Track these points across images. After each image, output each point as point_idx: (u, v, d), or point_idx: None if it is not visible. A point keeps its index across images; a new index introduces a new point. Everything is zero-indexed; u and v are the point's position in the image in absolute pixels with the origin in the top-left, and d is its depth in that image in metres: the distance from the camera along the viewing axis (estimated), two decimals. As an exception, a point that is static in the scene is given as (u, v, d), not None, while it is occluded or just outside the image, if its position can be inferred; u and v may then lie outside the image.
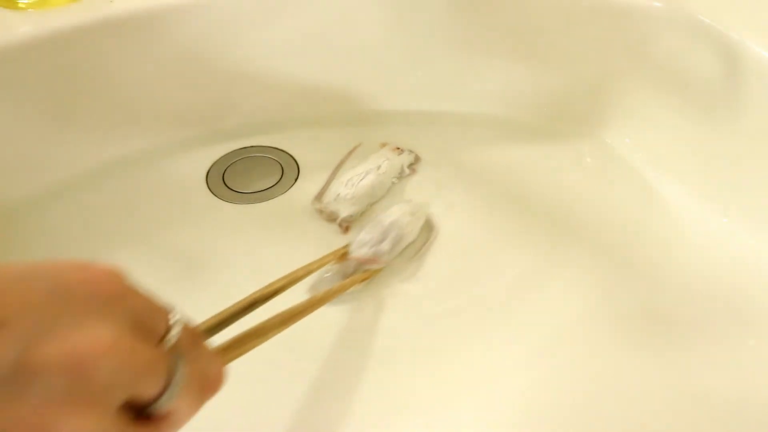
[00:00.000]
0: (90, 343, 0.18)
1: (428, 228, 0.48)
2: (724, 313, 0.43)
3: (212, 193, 0.51)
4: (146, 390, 0.20)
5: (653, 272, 0.46)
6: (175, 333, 0.22)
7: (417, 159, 0.54)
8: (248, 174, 0.53)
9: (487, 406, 0.38)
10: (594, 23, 0.52)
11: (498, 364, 0.40)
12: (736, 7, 0.47)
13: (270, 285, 0.37)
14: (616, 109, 0.56)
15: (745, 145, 0.47)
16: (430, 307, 0.44)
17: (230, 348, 0.30)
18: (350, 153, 0.54)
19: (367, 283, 0.44)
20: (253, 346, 0.31)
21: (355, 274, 0.44)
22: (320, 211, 0.49)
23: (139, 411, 0.21)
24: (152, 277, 0.44)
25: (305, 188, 0.52)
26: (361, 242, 0.44)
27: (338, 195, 0.49)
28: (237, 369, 0.28)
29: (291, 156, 0.55)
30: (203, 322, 0.32)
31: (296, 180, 0.53)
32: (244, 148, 0.55)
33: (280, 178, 0.53)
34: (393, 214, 0.46)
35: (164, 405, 0.21)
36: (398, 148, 0.53)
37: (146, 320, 0.21)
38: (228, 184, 0.52)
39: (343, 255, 0.44)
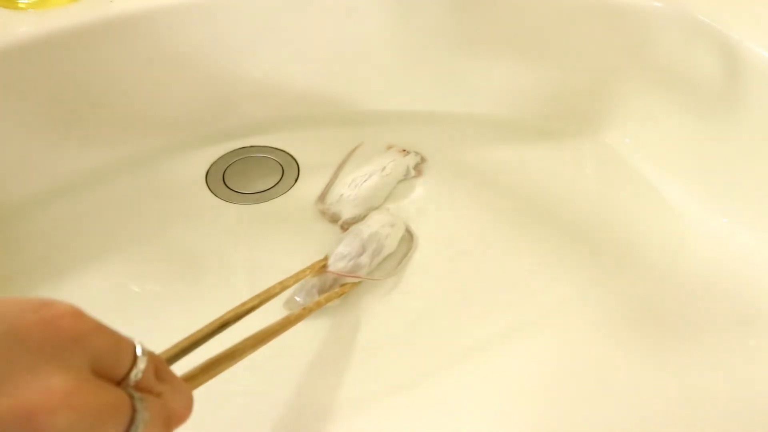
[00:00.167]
0: (43, 395, 0.18)
1: (408, 239, 0.47)
2: (724, 312, 0.43)
3: (212, 193, 0.51)
4: None
5: (653, 272, 0.46)
6: (140, 368, 0.21)
7: (423, 160, 0.54)
8: (248, 174, 0.53)
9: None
10: (594, 23, 0.52)
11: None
12: (736, 7, 0.47)
13: (243, 304, 0.36)
14: (616, 109, 0.56)
15: (745, 145, 0.47)
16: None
17: (202, 372, 0.29)
18: (351, 152, 0.54)
19: (345, 297, 0.43)
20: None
21: (332, 288, 0.42)
22: (323, 212, 0.49)
23: None
24: (152, 277, 0.45)
25: (305, 188, 0.52)
26: (340, 255, 0.43)
27: (341, 196, 0.49)
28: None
29: (291, 156, 0.55)
30: (174, 345, 0.31)
31: (296, 180, 0.53)
32: (244, 148, 0.55)
33: (281, 179, 0.53)
34: (372, 225, 0.45)
35: None
36: (404, 150, 0.53)
37: (108, 359, 0.20)
38: (228, 184, 0.52)
39: (321, 268, 0.43)
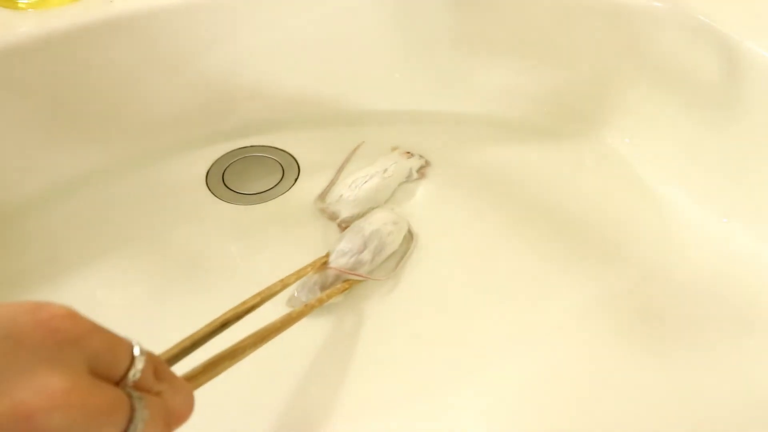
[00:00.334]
0: (41, 395, 0.18)
1: (408, 238, 0.47)
2: (724, 312, 0.43)
3: (212, 193, 0.51)
4: None
5: (653, 272, 0.46)
6: (138, 368, 0.21)
7: (427, 164, 0.54)
8: (248, 174, 0.53)
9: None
10: (594, 23, 0.52)
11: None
12: (736, 7, 0.47)
13: (244, 302, 0.36)
14: (616, 109, 0.56)
15: (744, 145, 0.47)
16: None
17: (203, 371, 0.29)
18: (353, 152, 0.54)
19: (346, 294, 0.43)
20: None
21: (334, 285, 0.42)
22: (322, 211, 0.49)
23: None
24: (152, 277, 0.44)
25: (306, 188, 0.52)
26: (341, 252, 0.43)
27: (341, 196, 0.49)
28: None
29: (291, 156, 0.55)
30: (175, 345, 0.31)
31: (296, 180, 0.53)
32: (244, 148, 0.55)
33: (281, 179, 0.53)
34: (374, 222, 0.45)
35: None
36: (408, 153, 0.53)
37: (105, 359, 0.20)
38: (228, 185, 0.52)
39: (322, 265, 0.43)
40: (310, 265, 0.42)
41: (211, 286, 0.44)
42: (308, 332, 0.40)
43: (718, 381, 0.39)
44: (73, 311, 0.20)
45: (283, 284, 0.39)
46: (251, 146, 0.56)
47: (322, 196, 0.50)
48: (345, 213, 0.48)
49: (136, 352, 0.22)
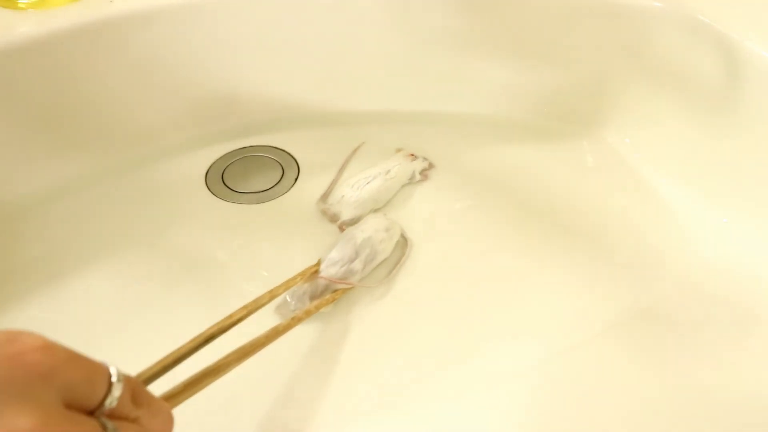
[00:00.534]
0: None
1: (402, 244, 0.47)
2: (723, 313, 0.43)
3: (212, 193, 0.51)
4: None
5: (653, 272, 0.46)
6: (114, 396, 0.21)
7: (430, 166, 0.54)
8: (248, 174, 0.53)
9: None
10: (594, 23, 0.52)
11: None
12: (736, 7, 0.47)
13: (230, 316, 0.35)
14: (616, 109, 0.56)
15: (744, 145, 0.47)
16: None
17: (185, 389, 0.28)
18: (354, 152, 0.54)
19: (337, 303, 0.42)
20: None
21: (324, 295, 0.41)
22: (324, 212, 0.49)
23: None
24: (152, 276, 0.44)
25: (305, 188, 0.52)
26: (332, 261, 0.42)
27: (343, 197, 0.49)
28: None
29: (291, 156, 0.55)
30: (157, 363, 0.30)
31: (296, 180, 0.53)
32: (244, 148, 0.55)
33: (280, 179, 0.53)
34: (366, 230, 0.45)
35: None
36: (412, 155, 0.53)
37: (81, 390, 0.20)
38: (228, 184, 0.52)
39: (312, 274, 0.42)
40: (299, 274, 0.41)
41: (211, 285, 0.44)
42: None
43: (718, 380, 0.39)
44: (47, 342, 0.19)
45: (271, 295, 0.38)
46: (251, 146, 0.56)
47: (324, 197, 0.50)
48: (346, 214, 0.48)
49: (114, 378, 0.21)
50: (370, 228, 0.45)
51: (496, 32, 0.54)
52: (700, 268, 0.46)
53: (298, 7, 0.52)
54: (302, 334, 0.40)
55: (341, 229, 0.48)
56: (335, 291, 0.42)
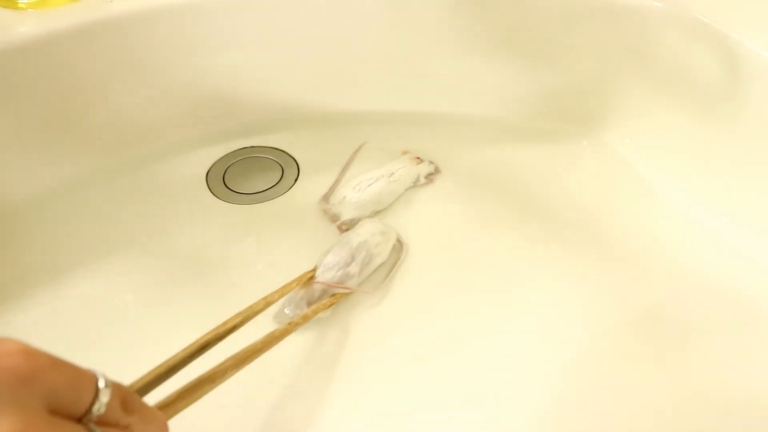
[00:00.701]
0: None
1: (398, 248, 0.46)
2: (724, 312, 0.43)
3: (212, 193, 0.51)
4: None
5: (652, 272, 0.46)
6: (102, 402, 0.20)
7: (437, 170, 0.53)
8: (248, 174, 0.53)
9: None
10: (594, 23, 0.52)
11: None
12: (736, 7, 0.47)
13: (225, 323, 0.34)
14: (616, 109, 0.56)
15: (744, 145, 0.47)
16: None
17: (180, 398, 0.28)
18: (355, 152, 0.54)
19: (335, 307, 0.42)
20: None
21: (321, 300, 0.41)
22: (325, 212, 0.49)
23: None
24: (152, 277, 0.44)
25: (305, 188, 0.52)
26: (328, 265, 0.42)
27: (344, 198, 0.49)
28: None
29: (291, 156, 0.55)
30: (149, 372, 0.30)
31: (296, 180, 0.53)
32: (244, 148, 0.55)
33: (281, 179, 0.53)
34: (362, 234, 0.44)
35: None
36: (418, 158, 0.53)
37: (65, 396, 0.19)
38: (228, 185, 0.52)
39: (308, 279, 0.42)
40: (295, 280, 0.41)
41: (211, 284, 0.44)
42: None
43: (718, 380, 0.39)
44: (27, 347, 0.19)
45: (267, 302, 0.38)
46: (251, 146, 0.56)
47: (326, 197, 0.50)
48: (346, 215, 0.48)
49: (101, 384, 0.20)
50: (365, 232, 0.45)
51: (495, 33, 0.54)
52: (700, 268, 0.46)
53: (298, 7, 0.52)
54: (300, 340, 0.40)
55: (341, 229, 0.47)
56: (333, 295, 0.42)
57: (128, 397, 0.22)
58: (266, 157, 0.55)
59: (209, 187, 0.52)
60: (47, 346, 0.20)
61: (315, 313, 0.40)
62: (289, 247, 0.47)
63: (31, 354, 0.19)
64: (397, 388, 0.39)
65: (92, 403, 0.20)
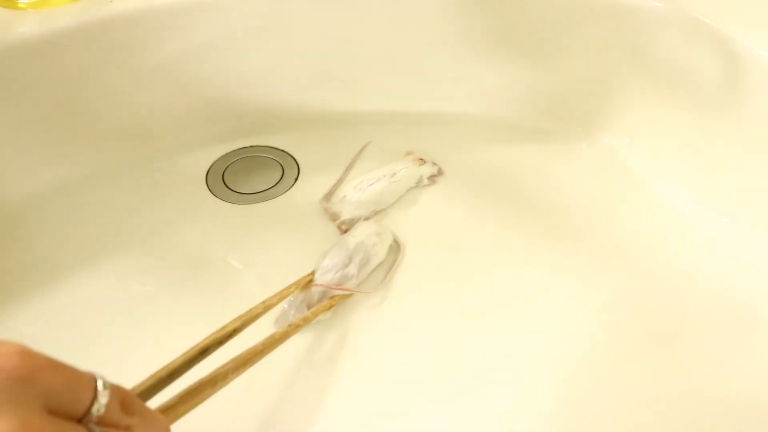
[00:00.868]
0: None
1: (396, 248, 0.47)
2: (724, 313, 0.43)
3: (212, 193, 0.51)
4: None
5: (652, 272, 0.46)
6: (101, 403, 0.20)
7: (440, 172, 0.53)
8: (248, 174, 0.53)
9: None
10: (594, 23, 0.52)
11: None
12: (736, 7, 0.47)
13: (224, 327, 0.34)
14: (615, 109, 0.56)
15: (744, 145, 0.47)
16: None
17: (181, 401, 0.28)
18: (360, 152, 0.54)
19: (334, 309, 0.42)
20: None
21: (320, 302, 0.41)
22: (326, 210, 0.49)
23: None
24: (152, 277, 0.44)
25: (305, 188, 0.52)
26: (326, 268, 0.42)
27: (344, 197, 0.49)
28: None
29: (291, 156, 0.55)
30: (150, 376, 0.29)
31: (296, 180, 0.53)
32: (244, 148, 0.55)
33: (281, 179, 0.53)
34: (357, 235, 0.45)
35: None
36: (421, 159, 0.53)
37: (64, 397, 0.19)
38: (228, 184, 0.52)
39: (308, 283, 0.42)
40: (294, 284, 0.41)
41: (211, 284, 0.44)
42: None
43: (718, 380, 0.39)
44: (24, 348, 0.19)
45: (266, 306, 0.38)
46: (251, 146, 0.56)
47: (328, 196, 0.50)
48: (346, 214, 0.48)
49: (100, 386, 0.21)
50: (361, 233, 0.45)
51: (495, 33, 0.54)
52: (699, 268, 0.46)
53: (298, 7, 0.52)
54: (300, 341, 0.40)
55: (341, 229, 0.48)
56: (332, 297, 0.42)
57: (128, 398, 0.22)
58: (266, 156, 0.55)
59: (209, 187, 0.52)
60: (47, 346, 0.20)
61: (315, 315, 0.40)
62: (289, 247, 0.47)
63: (28, 355, 0.19)
64: (397, 388, 0.39)
65: (91, 404, 0.20)
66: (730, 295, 0.44)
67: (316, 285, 0.41)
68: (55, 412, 0.19)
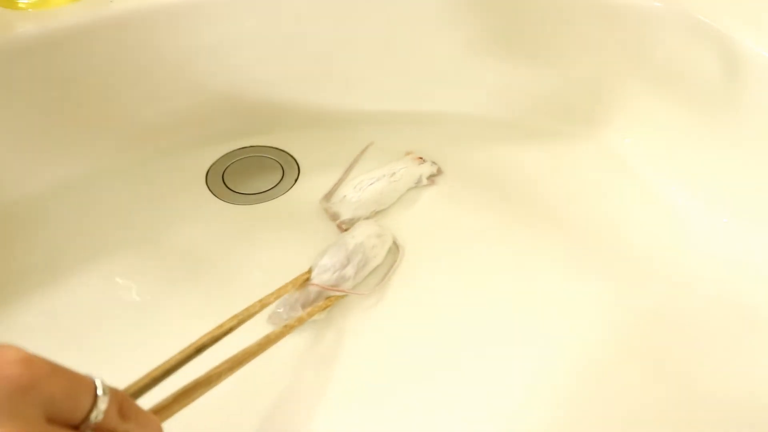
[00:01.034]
0: None
1: (395, 251, 0.46)
2: (724, 312, 0.43)
3: (212, 193, 0.51)
4: None
5: (652, 272, 0.46)
6: (100, 410, 0.20)
7: (439, 171, 0.53)
8: (248, 174, 0.53)
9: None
10: (594, 23, 0.52)
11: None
12: (736, 7, 0.47)
13: (220, 326, 0.35)
14: (615, 109, 0.56)
15: (744, 145, 0.47)
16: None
17: (175, 401, 0.28)
18: (362, 152, 0.54)
19: (330, 310, 0.42)
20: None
21: (316, 302, 0.41)
22: (326, 210, 0.49)
23: None
24: (152, 277, 0.44)
25: (306, 188, 0.52)
26: (324, 267, 0.42)
27: (344, 197, 0.49)
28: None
29: (291, 156, 0.55)
30: (146, 375, 0.30)
31: (296, 180, 0.53)
32: (244, 148, 0.55)
33: (281, 179, 0.53)
34: (358, 236, 0.44)
35: None
36: (420, 158, 0.53)
37: (64, 403, 0.19)
38: (228, 185, 0.52)
39: (304, 282, 0.42)
40: (291, 282, 0.41)
41: (211, 285, 0.44)
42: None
43: (718, 380, 0.39)
44: (27, 355, 0.19)
45: (262, 304, 0.38)
46: (251, 146, 0.56)
47: (328, 196, 0.50)
48: (346, 214, 0.48)
49: (99, 391, 0.21)
50: (361, 234, 0.45)
51: (495, 33, 0.54)
52: (700, 269, 0.46)
53: (298, 6, 0.52)
54: (295, 342, 0.40)
55: (341, 228, 0.48)
56: (328, 298, 0.42)
57: (125, 402, 0.22)
58: (266, 156, 0.55)
59: (209, 187, 0.52)
60: (46, 346, 0.20)
61: (310, 315, 0.40)
62: (288, 247, 0.47)
63: (32, 362, 0.19)
64: (394, 389, 0.39)
65: (90, 411, 0.20)
66: (730, 295, 0.44)
67: (313, 284, 0.41)
68: (53, 419, 0.19)
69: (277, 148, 0.56)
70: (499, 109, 0.58)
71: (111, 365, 0.25)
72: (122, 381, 0.23)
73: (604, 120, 0.57)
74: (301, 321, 0.39)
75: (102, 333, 0.41)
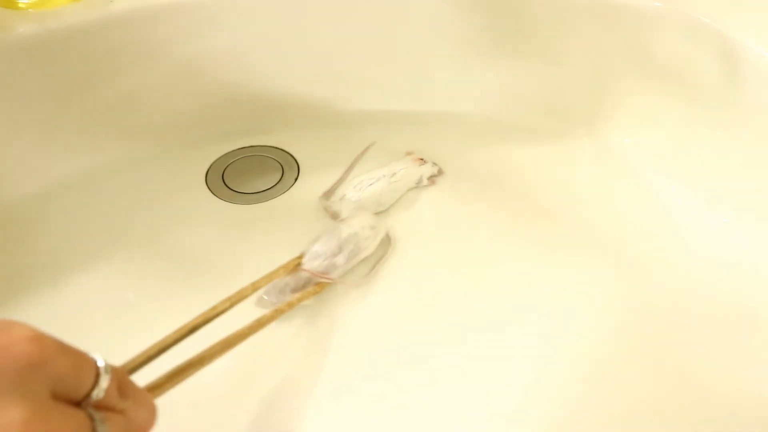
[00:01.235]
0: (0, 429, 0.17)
1: (386, 242, 0.47)
2: (723, 313, 0.43)
3: (212, 193, 0.51)
4: None
5: (652, 272, 0.46)
6: (102, 387, 0.21)
7: (440, 172, 0.53)
8: (248, 174, 0.53)
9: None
10: (594, 23, 0.52)
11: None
12: (736, 7, 0.47)
13: (214, 308, 0.35)
14: (615, 109, 0.56)
15: (744, 145, 0.47)
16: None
17: (168, 380, 0.29)
18: (364, 152, 0.54)
19: (318, 297, 0.42)
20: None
21: (306, 288, 0.41)
22: (325, 209, 0.49)
23: None
24: (152, 277, 0.45)
25: (306, 188, 0.52)
26: (315, 254, 0.42)
27: (344, 196, 0.49)
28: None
29: (291, 156, 0.55)
30: (141, 353, 0.31)
31: (296, 180, 0.53)
32: (244, 148, 0.55)
33: (281, 178, 0.53)
34: (353, 225, 0.45)
35: None
36: (421, 159, 0.53)
37: (69, 381, 0.20)
38: (228, 184, 0.52)
39: (295, 266, 0.42)
40: (282, 267, 0.41)
41: (211, 285, 0.44)
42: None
43: (718, 380, 0.39)
44: (37, 333, 0.19)
45: (254, 287, 0.38)
46: (251, 146, 0.56)
47: (328, 194, 0.50)
48: (345, 214, 0.48)
49: (101, 369, 0.21)
50: (356, 224, 0.45)
51: (495, 32, 0.54)
52: (699, 268, 0.46)
53: (298, 6, 0.52)
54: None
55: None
56: (318, 284, 0.42)
57: (124, 380, 0.23)
58: (266, 156, 0.55)
59: (209, 187, 0.52)
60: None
61: (300, 300, 0.40)
62: (288, 247, 0.47)
63: (40, 339, 0.19)
64: (385, 380, 0.39)
65: (92, 388, 0.21)
66: (730, 295, 0.44)
67: (303, 269, 0.42)
68: (58, 396, 0.19)
69: (277, 148, 0.56)
70: (500, 109, 0.58)
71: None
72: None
73: (604, 120, 0.57)
74: (290, 305, 0.40)
75: (101, 332, 0.41)
